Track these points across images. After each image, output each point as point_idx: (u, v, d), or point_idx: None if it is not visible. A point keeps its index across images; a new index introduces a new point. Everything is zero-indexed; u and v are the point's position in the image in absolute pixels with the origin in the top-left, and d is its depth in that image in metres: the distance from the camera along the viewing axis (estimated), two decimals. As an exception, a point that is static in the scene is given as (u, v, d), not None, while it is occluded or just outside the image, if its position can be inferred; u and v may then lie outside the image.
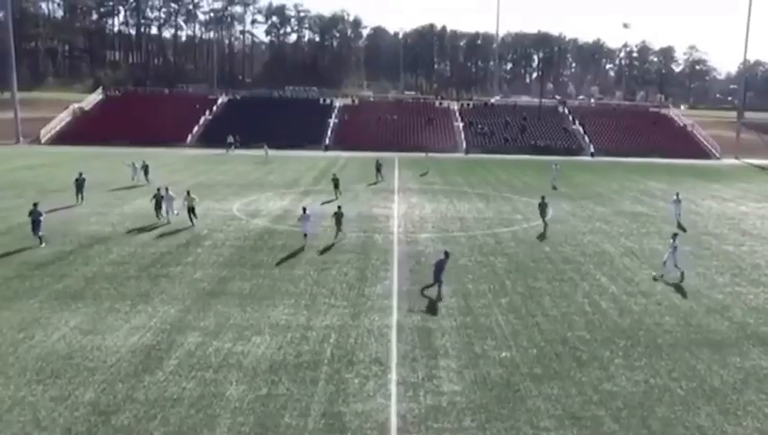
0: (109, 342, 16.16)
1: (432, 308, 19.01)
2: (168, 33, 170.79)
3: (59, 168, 43.86)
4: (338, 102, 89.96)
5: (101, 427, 12.21)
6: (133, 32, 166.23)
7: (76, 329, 16.98)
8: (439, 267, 20.25)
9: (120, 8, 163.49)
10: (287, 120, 78.11)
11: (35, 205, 26.43)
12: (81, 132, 74.28)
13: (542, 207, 31.86)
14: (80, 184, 35.43)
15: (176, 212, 31.00)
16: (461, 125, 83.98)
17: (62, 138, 74.29)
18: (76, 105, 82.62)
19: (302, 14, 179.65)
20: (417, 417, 12.72)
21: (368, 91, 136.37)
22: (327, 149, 74.25)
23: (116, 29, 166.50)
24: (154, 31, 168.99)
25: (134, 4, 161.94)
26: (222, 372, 14.58)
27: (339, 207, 28.72)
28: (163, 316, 18.01)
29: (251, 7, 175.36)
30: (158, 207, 30.71)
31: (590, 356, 15.85)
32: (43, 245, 25.46)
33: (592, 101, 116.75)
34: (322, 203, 36.27)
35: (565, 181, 46.55)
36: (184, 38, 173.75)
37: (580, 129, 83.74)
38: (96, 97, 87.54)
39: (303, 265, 23.53)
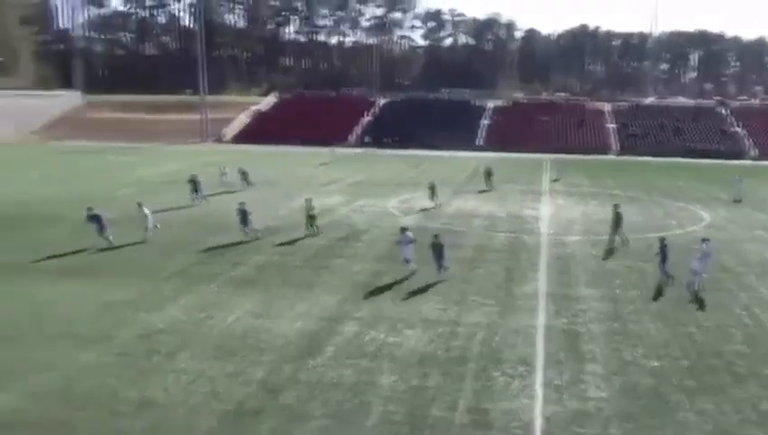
0: (277, 325, 16.95)
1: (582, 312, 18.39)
2: (334, 40, 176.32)
3: (237, 164, 46.16)
4: (490, 104, 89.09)
5: (269, 403, 12.84)
6: (303, 39, 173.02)
7: (249, 312, 17.95)
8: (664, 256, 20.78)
9: (294, 18, 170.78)
10: (441, 122, 78.31)
11: (90, 209, 25.35)
12: (258, 132, 78.53)
13: (617, 219, 26.45)
14: (195, 185, 35.18)
15: (155, 226, 26.71)
16: (613, 127, 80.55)
17: (241, 137, 78.93)
18: (254, 107, 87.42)
19: (457, 19, 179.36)
20: (563, 420, 12.34)
21: (519, 93, 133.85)
22: (479, 150, 73.74)
23: (289, 37, 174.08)
24: (322, 38, 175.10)
25: (305, 14, 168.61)
26: (376, 361, 14.87)
27: (436, 237, 21.60)
28: (324, 305, 18.62)
29: (409, 13, 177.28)
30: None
31: (749, 372, 14.58)
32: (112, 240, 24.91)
33: (756, 101, 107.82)
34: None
35: (724, 187, 43.24)
36: (349, 44, 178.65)
37: (742, 131, 77.69)
38: (271, 100, 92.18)
39: (453, 263, 23.44)
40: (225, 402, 12.83)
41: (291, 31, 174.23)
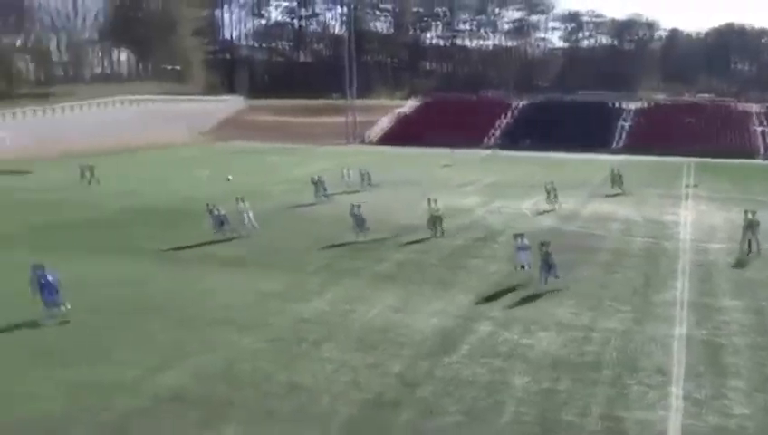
0: (415, 321, 17.08)
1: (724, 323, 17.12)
2: (473, 44, 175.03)
3: (373, 165, 46.96)
4: (630, 106, 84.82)
5: (406, 396, 12.96)
6: (443, 43, 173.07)
7: (389, 307, 18.20)
8: None
9: (436, 23, 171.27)
10: (578, 124, 75.55)
11: (209, 205, 26.87)
12: (400, 134, 79.51)
13: (749, 225, 24.22)
14: (317, 184, 35.88)
15: (252, 224, 26.96)
16: (762, 129, 74.19)
17: (385, 139, 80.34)
18: (397, 110, 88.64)
19: (596, 20, 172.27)
20: (701, 435, 11.57)
21: (661, 94, 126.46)
22: (617, 152, 70.39)
23: (431, 42, 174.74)
24: (462, 42, 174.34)
25: (447, 19, 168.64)
26: (509, 361, 14.60)
27: (544, 245, 19.89)
28: (459, 304, 18.53)
29: (548, 16, 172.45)
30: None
31: None
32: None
33: None
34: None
35: None
36: (488, 47, 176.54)
37: None
38: (413, 103, 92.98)
39: (589, 267, 22.66)
40: (365, 392, 13.10)
41: (433, 36, 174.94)
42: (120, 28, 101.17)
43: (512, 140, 74.35)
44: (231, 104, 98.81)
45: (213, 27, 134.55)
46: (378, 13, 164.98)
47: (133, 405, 12.47)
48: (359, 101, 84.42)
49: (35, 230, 28.10)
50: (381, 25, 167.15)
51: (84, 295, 18.43)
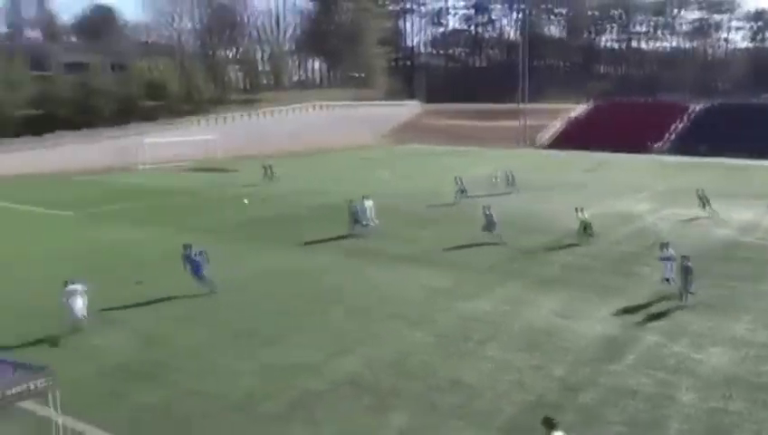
0: (579, 326, 16.49)
1: None
2: (650, 46, 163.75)
3: (537, 168, 45.53)
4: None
5: (567, 401, 12.62)
6: (617, 46, 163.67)
7: (554, 310, 17.72)
8: None
9: (611, 26, 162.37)
10: (762, 128, 67.85)
11: (349, 202, 27.76)
12: (570, 137, 76.52)
13: None
14: (458, 186, 35.58)
15: (372, 220, 27.51)
16: None
17: (555, 142, 77.73)
18: (570, 114, 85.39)
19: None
20: None
21: None
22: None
23: (605, 45, 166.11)
24: (637, 44, 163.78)
25: (623, 21, 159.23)
26: (676, 375, 13.65)
27: (685, 258, 18.05)
28: (626, 311, 17.56)
29: (731, 15, 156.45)
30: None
31: None
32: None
33: None
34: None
35: None
36: (664, 49, 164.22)
37: None
38: (585, 106, 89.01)
39: (770, 282, 20.45)
40: (527, 393, 12.91)
41: (607, 39, 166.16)
42: (315, 40, 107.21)
43: (687, 144, 68.56)
44: (410, 109, 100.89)
45: (395, 36, 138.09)
46: (552, 17, 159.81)
47: (314, 386, 13.30)
48: (531, 105, 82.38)
49: (234, 225, 30.41)
50: (555, 29, 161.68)
51: (270, 284, 20.07)
